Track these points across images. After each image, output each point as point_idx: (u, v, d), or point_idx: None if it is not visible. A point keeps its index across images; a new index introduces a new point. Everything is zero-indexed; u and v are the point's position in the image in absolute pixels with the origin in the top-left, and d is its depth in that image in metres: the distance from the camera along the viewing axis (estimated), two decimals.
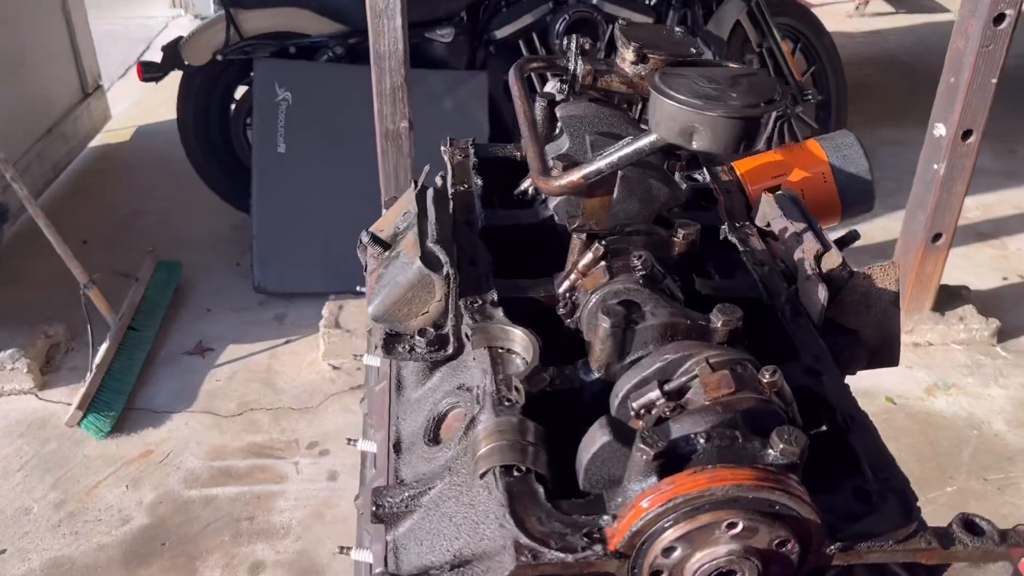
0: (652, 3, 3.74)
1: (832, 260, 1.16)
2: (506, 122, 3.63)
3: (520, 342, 1.01)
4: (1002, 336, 3.32)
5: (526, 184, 1.37)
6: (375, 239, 1.18)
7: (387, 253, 1.19)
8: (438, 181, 1.41)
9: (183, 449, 2.83)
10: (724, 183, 1.41)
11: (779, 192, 1.29)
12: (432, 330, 1.14)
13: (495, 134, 3.54)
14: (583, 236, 1.10)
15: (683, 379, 0.95)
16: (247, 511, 2.61)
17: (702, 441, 0.84)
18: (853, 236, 1.26)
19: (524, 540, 0.83)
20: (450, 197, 1.29)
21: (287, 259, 3.44)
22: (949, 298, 3.35)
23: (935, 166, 3.03)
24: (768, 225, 1.31)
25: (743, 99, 0.88)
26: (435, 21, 3.57)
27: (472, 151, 1.44)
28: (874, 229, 3.77)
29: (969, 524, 0.90)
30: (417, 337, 1.13)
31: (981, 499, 2.66)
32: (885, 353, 1.23)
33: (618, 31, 1.34)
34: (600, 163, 1.00)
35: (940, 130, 2.97)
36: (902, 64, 5.88)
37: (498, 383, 1.00)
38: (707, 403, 0.91)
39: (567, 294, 1.09)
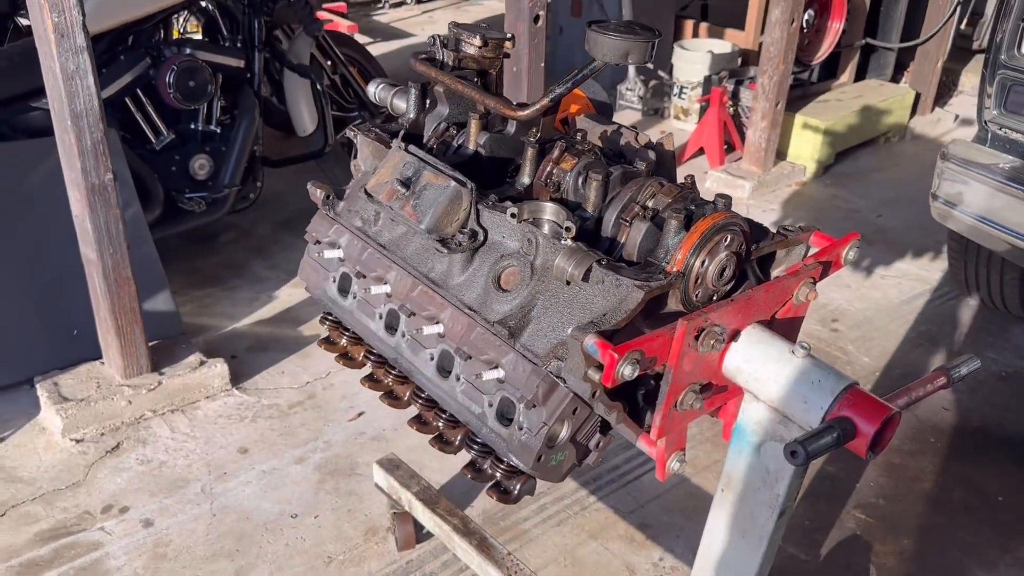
0: (239, 46, 4.17)
1: (643, 139, 1.95)
2: (144, 176, 3.76)
3: (550, 209, 1.59)
4: None
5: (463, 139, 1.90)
6: (403, 182, 1.64)
7: (409, 191, 1.65)
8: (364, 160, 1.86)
9: None
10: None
11: (584, 115, 2.03)
12: (467, 229, 1.64)
13: (140, 187, 3.66)
14: (535, 145, 1.71)
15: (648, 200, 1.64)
16: None
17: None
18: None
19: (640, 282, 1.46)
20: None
21: None
22: None
23: None
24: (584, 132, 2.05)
25: (646, 31, 1.60)
26: (39, 90, 3.55)
27: (376, 131, 1.91)
28: None
29: None
30: (460, 235, 1.63)
31: None
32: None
33: (456, 30, 1.95)
34: (561, 88, 1.64)
35: None
36: None
37: (551, 230, 1.57)
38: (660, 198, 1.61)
39: (546, 180, 1.70)
